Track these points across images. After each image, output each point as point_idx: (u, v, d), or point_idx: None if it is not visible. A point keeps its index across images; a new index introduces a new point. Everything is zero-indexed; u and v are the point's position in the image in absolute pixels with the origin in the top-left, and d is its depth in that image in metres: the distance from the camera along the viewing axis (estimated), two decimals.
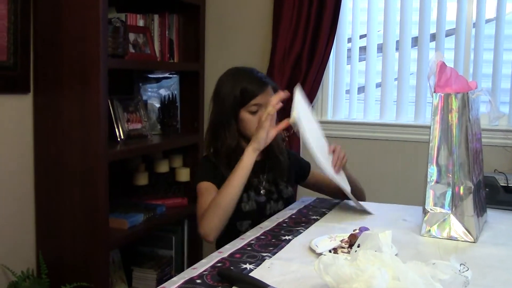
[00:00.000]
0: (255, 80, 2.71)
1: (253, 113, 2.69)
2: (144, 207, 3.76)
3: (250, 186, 2.72)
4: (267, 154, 2.81)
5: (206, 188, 2.67)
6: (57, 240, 3.31)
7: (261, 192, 2.78)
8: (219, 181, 2.62)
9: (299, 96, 2.56)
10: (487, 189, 2.71)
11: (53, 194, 3.30)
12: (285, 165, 2.87)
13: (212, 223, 2.49)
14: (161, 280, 3.79)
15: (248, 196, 2.69)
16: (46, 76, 3.24)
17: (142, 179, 3.92)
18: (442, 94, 2.20)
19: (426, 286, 1.43)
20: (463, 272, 1.48)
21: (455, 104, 2.18)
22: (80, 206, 3.23)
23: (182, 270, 1.89)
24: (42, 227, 3.35)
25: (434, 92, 2.22)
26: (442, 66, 2.24)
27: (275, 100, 2.55)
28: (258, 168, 2.76)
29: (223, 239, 2.44)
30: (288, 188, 2.87)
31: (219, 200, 2.53)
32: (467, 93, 2.19)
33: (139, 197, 3.98)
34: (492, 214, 2.56)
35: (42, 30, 3.23)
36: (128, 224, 3.47)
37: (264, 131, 2.54)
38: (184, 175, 4.11)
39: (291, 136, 3.93)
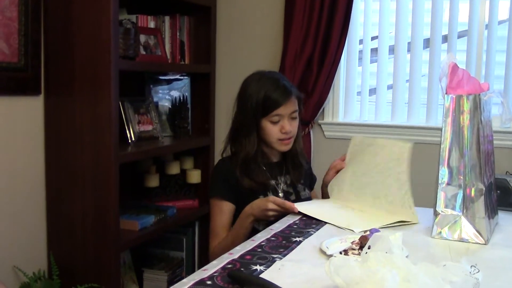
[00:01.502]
0: (279, 89, 2.72)
1: (274, 123, 2.71)
2: (155, 208, 3.76)
3: (268, 188, 2.76)
4: (286, 156, 2.84)
5: (219, 207, 2.74)
6: (68, 241, 3.32)
7: (279, 193, 2.79)
8: (232, 188, 2.67)
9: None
10: (498, 191, 2.70)
11: (64, 196, 3.30)
12: (303, 168, 2.89)
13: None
14: (172, 282, 3.79)
15: (265, 197, 2.70)
16: (56, 78, 3.25)
17: (153, 181, 3.93)
18: (454, 96, 2.19)
19: None
20: (474, 274, 1.47)
21: (466, 105, 2.17)
22: (91, 207, 3.24)
23: (193, 272, 1.88)
24: (53, 229, 3.36)
25: (446, 93, 2.21)
26: (454, 67, 2.23)
27: (287, 206, 2.52)
28: (276, 169, 2.81)
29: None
30: (305, 190, 2.89)
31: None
32: (479, 94, 2.18)
33: (150, 199, 3.99)
34: (503, 216, 2.55)
35: (53, 31, 3.24)
36: (139, 226, 3.47)
37: (268, 214, 2.53)
38: (195, 177, 4.11)
39: (303, 138, 3.93)
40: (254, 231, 2.53)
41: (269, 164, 2.83)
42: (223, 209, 2.71)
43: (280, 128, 2.71)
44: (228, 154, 2.88)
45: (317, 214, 2.50)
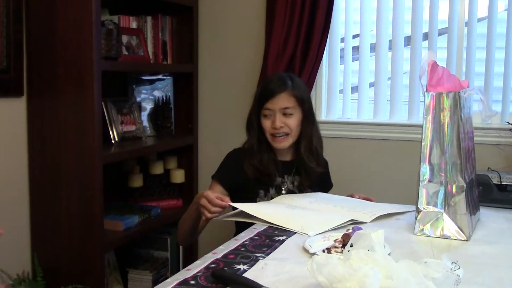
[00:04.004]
0: (274, 83, 2.79)
1: (266, 116, 2.75)
2: (139, 208, 3.76)
3: (271, 184, 2.79)
4: (297, 156, 2.86)
5: (212, 187, 2.83)
6: (52, 242, 3.31)
7: (282, 191, 2.82)
8: (233, 177, 2.78)
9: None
10: (480, 187, 2.72)
11: (48, 196, 3.30)
12: (314, 173, 2.90)
13: (180, 238, 2.86)
14: (156, 282, 3.79)
15: (266, 193, 2.73)
16: (39, 79, 3.24)
17: (137, 181, 3.93)
18: (434, 94, 2.21)
19: (418, 285, 1.44)
20: (455, 270, 1.48)
21: (447, 103, 2.19)
22: (75, 208, 3.23)
23: (178, 272, 1.89)
24: (37, 230, 3.35)
25: (426, 91, 2.23)
26: (434, 65, 2.25)
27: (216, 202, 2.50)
28: (284, 168, 2.83)
29: (240, 226, 2.63)
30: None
31: (180, 226, 2.88)
32: (459, 92, 2.20)
33: (134, 199, 3.98)
34: (485, 212, 2.57)
35: (35, 33, 3.23)
36: (123, 226, 3.47)
37: (200, 206, 2.53)
38: (178, 176, 4.11)
39: None
40: (238, 229, 2.56)
41: (279, 162, 2.87)
42: (214, 190, 2.74)
43: (271, 123, 2.75)
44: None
45: (257, 212, 2.46)
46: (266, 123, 2.79)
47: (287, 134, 2.80)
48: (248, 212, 2.44)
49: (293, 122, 2.81)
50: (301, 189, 2.89)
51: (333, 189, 3.18)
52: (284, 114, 2.78)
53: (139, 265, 3.92)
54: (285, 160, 2.90)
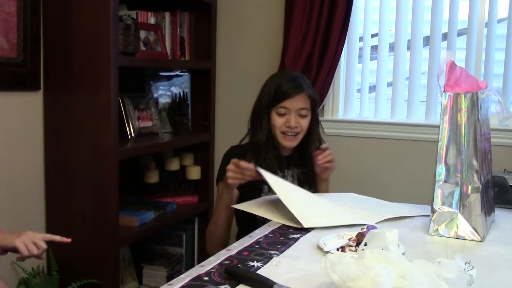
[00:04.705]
0: (292, 82, 2.81)
1: (281, 115, 2.77)
2: (154, 205, 3.77)
3: None
4: (297, 150, 2.87)
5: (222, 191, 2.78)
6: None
7: None
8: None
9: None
10: (496, 189, 2.70)
11: (63, 192, 3.31)
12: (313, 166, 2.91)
13: (211, 246, 2.72)
14: (171, 278, 3.78)
15: (270, 188, 2.73)
16: (56, 74, 3.25)
17: (153, 177, 3.94)
18: (452, 94, 2.20)
19: (431, 284, 1.43)
20: (468, 271, 1.48)
21: (464, 103, 2.18)
22: (90, 203, 3.25)
23: (192, 268, 1.89)
24: (52, 225, 3.37)
25: (444, 91, 2.22)
26: (452, 65, 2.23)
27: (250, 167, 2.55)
28: (285, 162, 2.84)
29: (243, 230, 2.71)
30: (311, 189, 2.90)
31: (212, 235, 2.78)
32: (477, 92, 2.19)
33: (150, 195, 3.99)
34: (500, 214, 2.56)
35: (52, 27, 3.24)
36: (138, 222, 3.48)
37: (227, 175, 2.58)
38: (194, 173, 4.12)
39: None
40: (257, 222, 2.56)
41: (279, 157, 2.87)
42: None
43: (285, 121, 2.77)
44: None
45: (281, 193, 2.48)
46: (279, 121, 2.79)
47: (297, 134, 2.82)
48: (273, 187, 2.48)
49: (306, 123, 2.85)
50: (301, 181, 2.90)
51: (349, 188, 3.16)
52: (299, 115, 2.80)
53: (154, 261, 3.93)
54: (286, 155, 2.93)
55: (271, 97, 2.80)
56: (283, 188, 2.55)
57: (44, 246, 2.31)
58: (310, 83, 2.97)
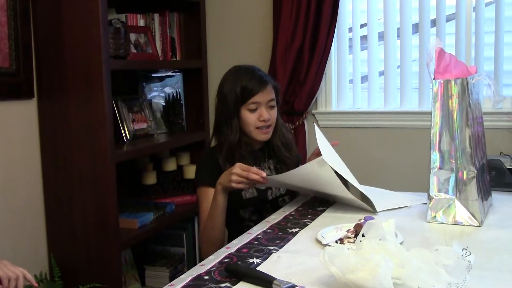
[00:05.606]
0: (255, 78, 2.77)
1: (252, 110, 2.74)
2: (153, 206, 3.78)
3: None
4: (267, 142, 2.86)
5: (205, 194, 2.74)
6: (68, 242, 3.33)
7: None
8: (216, 176, 2.63)
9: (320, 136, 2.56)
10: (493, 172, 2.72)
11: (62, 197, 3.32)
12: (289, 162, 2.90)
13: (208, 250, 2.52)
14: (174, 278, 3.74)
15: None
16: (49, 81, 3.26)
17: (151, 178, 3.94)
18: (442, 81, 2.21)
19: (430, 272, 1.44)
20: (466, 256, 1.49)
21: (454, 90, 2.19)
22: (89, 207, 3.25)
23: (193, 267, 1.90)
24: (53, 231, 3.38)
25: (434, 78, 2.23)
26: (441, 52, 2.24)
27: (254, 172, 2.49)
28: (257, 156, 2.84)
29: (230, 229, 2.72)
30: None
31: (207, 236, 2.68)
32: (467, 78, 2.20)
33: (148, 196, 4.00)
34: (497, 197, 2.56)
35: (43, 35, 3.25)
36: (139, 224, 3.49)
37: (232, 178, 2.49)
38: (192, 172, 4.08)
39: (298, 128, 3.96)
40: (243, 220, 2.57)
41: (252, 152, 2.85)
42: (209, 196, 2.68)
43: (258, 116, 2.75)
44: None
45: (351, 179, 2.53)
46: (252, 117, 2.76)
47: (269, 126, 2.81)
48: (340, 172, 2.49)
49: (275, 113, 2.84)
50: (278, 169, 2.89)
51: None
52: (269, 107, 2.79)
53: (156, 262, 3.94)
54: (257, 148, 2.89)
55: (238, 96, 2.75)
56: (347, 173, 2.57)
57: (19, 273, 2.27)
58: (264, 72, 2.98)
